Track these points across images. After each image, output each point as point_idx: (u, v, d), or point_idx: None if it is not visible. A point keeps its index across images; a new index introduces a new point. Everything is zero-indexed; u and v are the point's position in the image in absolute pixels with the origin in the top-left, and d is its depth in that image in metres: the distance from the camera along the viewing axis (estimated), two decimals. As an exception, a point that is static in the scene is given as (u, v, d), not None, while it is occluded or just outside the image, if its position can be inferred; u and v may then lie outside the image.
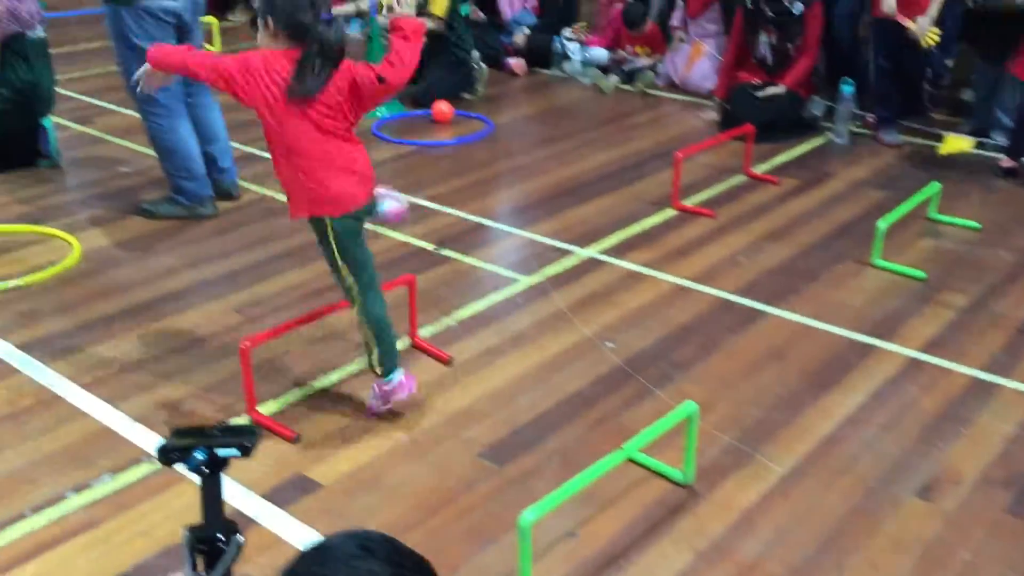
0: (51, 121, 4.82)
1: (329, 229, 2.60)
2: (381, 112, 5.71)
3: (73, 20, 7.89)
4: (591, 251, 3.97)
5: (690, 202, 4.43)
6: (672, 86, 6.34)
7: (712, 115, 5.63)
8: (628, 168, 4.94)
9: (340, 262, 2.65)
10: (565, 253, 3.95)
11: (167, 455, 1.33)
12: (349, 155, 2.57)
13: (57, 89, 4.82)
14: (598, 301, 3.56)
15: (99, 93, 6.05)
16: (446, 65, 5.96)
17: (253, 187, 4.57)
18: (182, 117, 4.10)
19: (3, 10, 4.13)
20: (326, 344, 3.22)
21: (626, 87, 6.33)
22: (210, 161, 4.28)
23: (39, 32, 4.52)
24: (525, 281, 3.71)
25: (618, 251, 3.97)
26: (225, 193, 4.38)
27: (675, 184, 4.38)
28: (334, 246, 2.62)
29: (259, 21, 2.48)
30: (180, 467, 1.32)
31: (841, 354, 3.19)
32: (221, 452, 1.31)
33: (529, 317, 3.44)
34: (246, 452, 1.33)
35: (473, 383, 3.02)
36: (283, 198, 4.33)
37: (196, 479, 1.32)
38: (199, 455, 1.30)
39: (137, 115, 5.09)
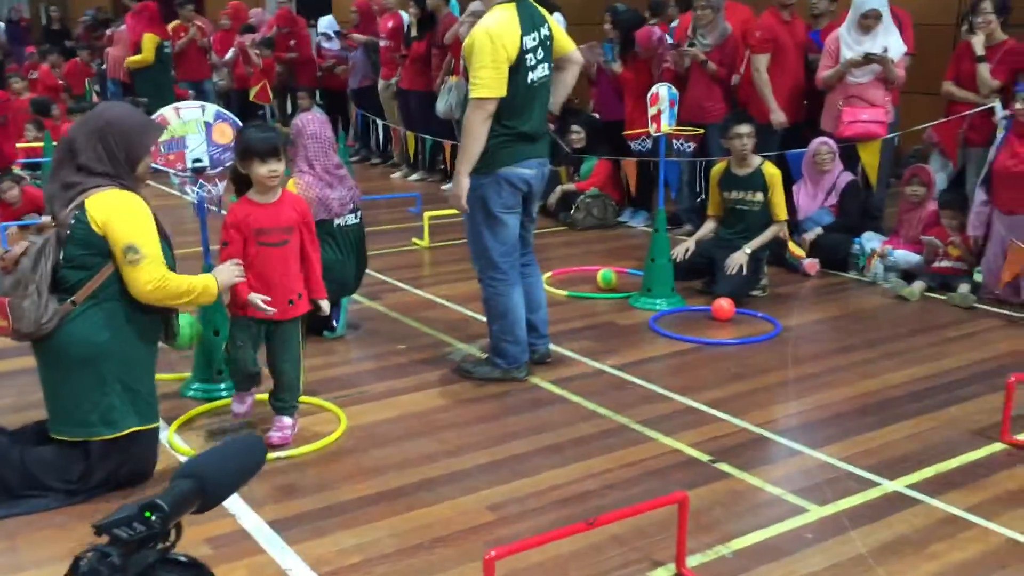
0: (347, 300, 5.01)
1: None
2: (660, 305, 5.47)
3: (382, 203, 8.46)
4: (898, 485, 3.36)
5: (1025, 437, 3.72)
6: (997, 300, 5.58)
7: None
8: (940, 388, 4.29)
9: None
10: (866, 483, 3.37)
11: None
12: None
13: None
14: (909, 548, 2.95)
15: (391, 271, 6.30)
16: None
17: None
18: (517, 285, 4.30)
19: (313, 197, 4.39)
20: (578, 558, 2.86)
21: (935, 296, 5.68)
22: (531, 328, 4.41)
23: (348, 220, 4.74)
24: (816, 511, 3.18)
25: (933, 488, 3.34)
26: (540, 359, 4.49)
27: (1006, 414, 3.70)
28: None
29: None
30: None
31: None
32: None
33: (822, 558, 2.90)
34: None
35: (750, 635, 2.52)
36: (558, 391, 4.17)
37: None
38: None
39: (419, 293, 5.15)
